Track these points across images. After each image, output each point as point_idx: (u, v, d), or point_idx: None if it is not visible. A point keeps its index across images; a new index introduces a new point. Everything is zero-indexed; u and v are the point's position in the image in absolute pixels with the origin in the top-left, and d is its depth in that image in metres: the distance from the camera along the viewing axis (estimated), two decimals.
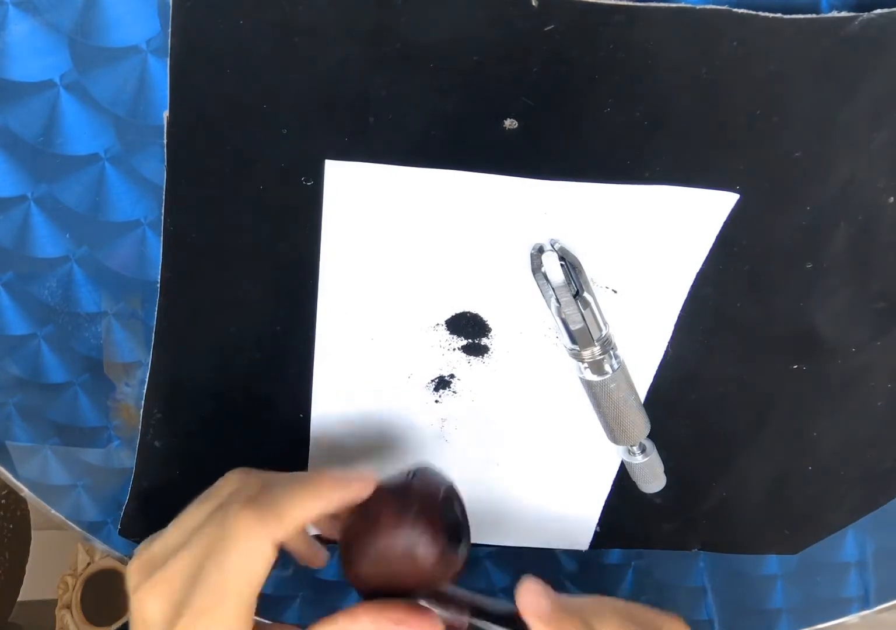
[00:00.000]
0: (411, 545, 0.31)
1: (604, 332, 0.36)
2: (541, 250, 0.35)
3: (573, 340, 0.36)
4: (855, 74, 0.30)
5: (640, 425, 0.40)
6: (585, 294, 0.35)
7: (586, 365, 0.37)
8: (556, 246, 0.35)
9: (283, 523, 0.30)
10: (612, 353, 0.36)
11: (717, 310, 0.38)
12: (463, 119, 0.32)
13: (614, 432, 0.40)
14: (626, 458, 0.43)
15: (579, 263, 0.35)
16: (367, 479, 0.32)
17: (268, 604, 0.52)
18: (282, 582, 0.51)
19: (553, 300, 0.35)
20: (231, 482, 0.34)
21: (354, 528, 0.32)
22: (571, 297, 0.35)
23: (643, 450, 0.42)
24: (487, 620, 0.32)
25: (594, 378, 0.37)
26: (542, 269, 0.35)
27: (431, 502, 0.32)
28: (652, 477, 0.44)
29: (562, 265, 0.34)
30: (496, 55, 0.30)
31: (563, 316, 0.35)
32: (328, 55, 0.30)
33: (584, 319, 0.35)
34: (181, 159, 0.33)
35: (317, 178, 0.33)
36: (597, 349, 0.36)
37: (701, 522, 0.48)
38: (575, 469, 0.45)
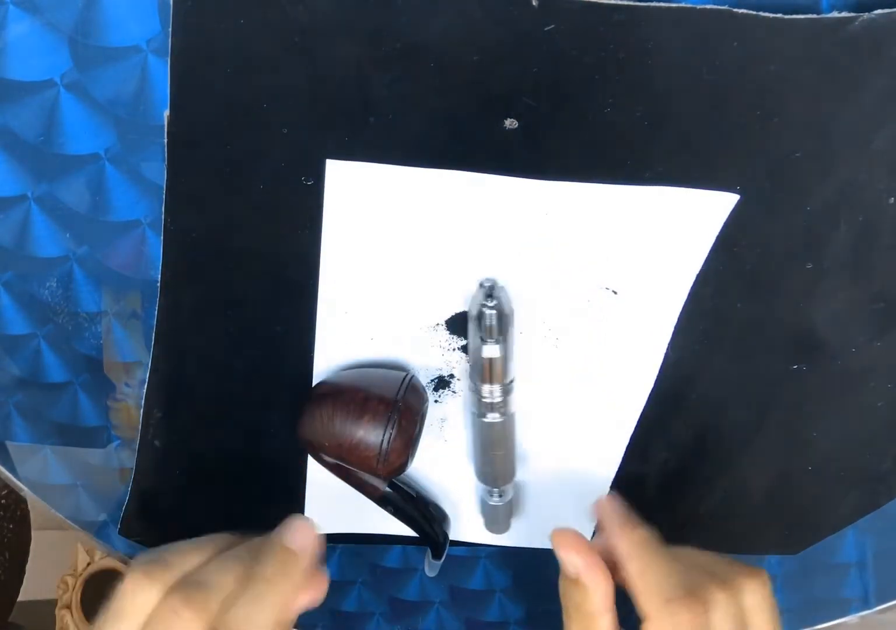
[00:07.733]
0: (379, 442, 0.37)
1: (510, 379, 0.38)
2: (488, 288, 0.35)
3: (482, 379, 0.37)
4: (855, 74, 0.30)
5: (511, 473, 0.43)
6: (509, 340, 0.36)
7: (488, 403, 0.38)
8: (497, 291, 0.35)
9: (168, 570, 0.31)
10: (509, 397, 0.38)
11: (717, 310, 0.38)
12: (463, 119, 0.32)
13: (485, 473, 0.42)
14: (485, 498, 0.45)
15: (512, 312, 0.36)
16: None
17: None
18: None
19: (477, 338, 0.36)
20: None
21: (337, 409, 0.37)
22: (497, 340, 0.35)
23: (501, 495, 0.44)
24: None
25: (493, 418, 0.39)
26: (480, 307, 0.35)
27: (413, 418, 0.38)
28: (501, 520, 0.46)
29: (496, 312, 0.35)
30: (496, 55, 0.30)
31: (483, 355, 0.36)
32: (328, 55, 0.30)
33: (502, 361, 0.36)
34: (181, 159, 0.33)
35: (317, 177, 0.33)
36: (498, 390, 0.37)
37: (701, 522, 0.48)
38: (574, 469, 0.45)
